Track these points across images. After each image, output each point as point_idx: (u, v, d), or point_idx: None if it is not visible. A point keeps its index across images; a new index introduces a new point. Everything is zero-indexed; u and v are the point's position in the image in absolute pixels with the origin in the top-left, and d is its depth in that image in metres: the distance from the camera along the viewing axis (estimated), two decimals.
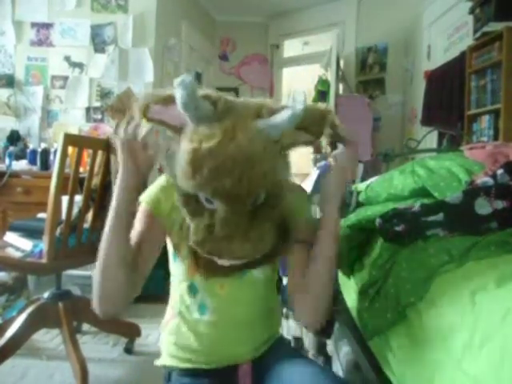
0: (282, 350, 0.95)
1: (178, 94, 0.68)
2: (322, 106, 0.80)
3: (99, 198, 1.69)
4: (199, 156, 0.67)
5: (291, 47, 4.75)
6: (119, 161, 0.82)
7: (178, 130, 0.74)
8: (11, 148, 2.82)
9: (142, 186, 0.89)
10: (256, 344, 0.92)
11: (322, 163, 2.10)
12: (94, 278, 0.81)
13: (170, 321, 0.95)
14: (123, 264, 0.80)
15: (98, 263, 0.81)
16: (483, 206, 0.82)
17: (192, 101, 0.68)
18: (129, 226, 0.84)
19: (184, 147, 0.69)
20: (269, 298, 0.95)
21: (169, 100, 0.73)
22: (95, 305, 0.80)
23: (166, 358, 0.96)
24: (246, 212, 0.70)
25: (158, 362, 0.98)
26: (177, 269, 0.92)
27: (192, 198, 0.72)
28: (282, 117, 0.70)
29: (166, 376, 0.97)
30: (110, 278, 0.80)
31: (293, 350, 1.04)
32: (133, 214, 0.85)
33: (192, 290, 0.89)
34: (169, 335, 0.94)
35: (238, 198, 0.68)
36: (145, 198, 0.89)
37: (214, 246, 0.69)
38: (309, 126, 0.76)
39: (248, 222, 0.70)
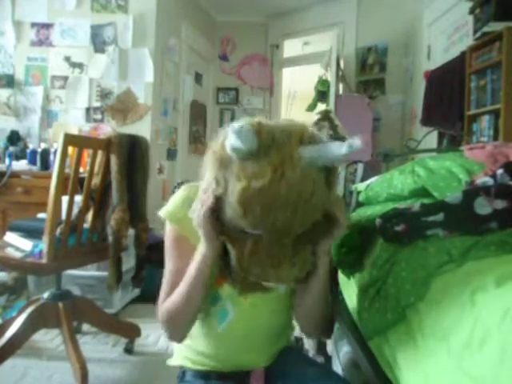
0: (293, 356, 0.96)
1: (234, 142, 0.64)
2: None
3: (99, 198, 1.69)
4: (250, 196, 0.65)
5: (291, 47, 4.75)
6: (202, 239, 0.78)
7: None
8: (11, 148, 2.82)
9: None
10: (271, 353, 0.93)
11: None
12: (168, 315, 0.87)
13: None
14: (199, 309, 0.85)
15: (176, 310, 0.86)
16: (483, 206, 0.82)
17: (245, 149, 0.65)
18: (205, 287, 0.84)
19: (233, 187, 0.67)
20: (288, 309, 0.95)
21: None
22: (169, 335, 0.89)
23: (179, 359, 0.97)
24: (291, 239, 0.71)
25: (171, 362, 0.99)
26: None
27: (237, 228, 0.71)
28: (331, 148, 0.67)
29: (180, 375, 0.98)
30: (188, 322, 0.87)
31: (304, 356, 1.06)
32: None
33: (214, 299, 0.89)
34: (187, 339, 0.94)
35: (289, 231, 0.69)
36: (169, 214, 0.89)
37: (261, 272, 0.71)
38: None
39: (292, 247, 0.71)
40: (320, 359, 1.49)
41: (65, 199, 1.57)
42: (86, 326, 2.10)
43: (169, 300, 0.87)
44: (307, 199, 0.66)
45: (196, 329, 0.91)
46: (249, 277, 0.72)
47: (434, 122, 3.05)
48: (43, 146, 2.85)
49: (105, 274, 1.82)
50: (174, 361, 0.98)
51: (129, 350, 1.93)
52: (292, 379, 0.89)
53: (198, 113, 4.26)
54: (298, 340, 1.70)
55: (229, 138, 0.65)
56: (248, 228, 0.69)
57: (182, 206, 0.86)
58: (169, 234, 0.89)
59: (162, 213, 0.89)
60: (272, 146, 0.67)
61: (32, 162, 2.74)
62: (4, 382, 1.64)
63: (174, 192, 3.42)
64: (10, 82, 3.21)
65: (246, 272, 0.72)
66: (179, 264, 0.86)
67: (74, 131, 3.08)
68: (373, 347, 0.89)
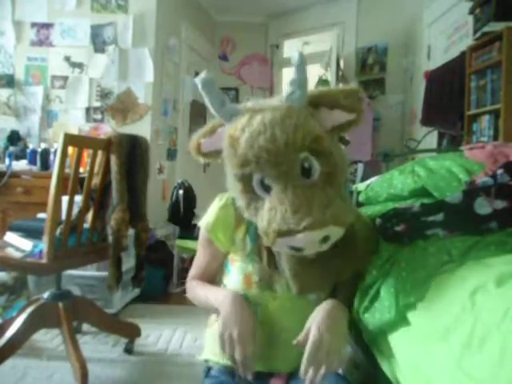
0: None
1: (203, 93, 0.78)
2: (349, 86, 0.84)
3: (99, 198, 1.69)
4: (235, 135, 0.76)
5: (291, 47, 4.74)
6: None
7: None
8: (11, 148, 2.82)
9: None
10: (296, 358, 0.91)
11: None
12: (190, 296, 1.02)
13: (216, 322, 0.97)
14: None
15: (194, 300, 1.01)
16: (483, 206, 0.82)
17: (216, 95, 0.79)
18: None
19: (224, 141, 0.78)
20: None
21: (210, 131, 0.84)
22: None
23: (208, 354, 0.99)
24: (302, 185, 0.74)
25: (201, 357, 1.02)
26: (230, 280, 0.96)
27: (249, 188, 0.78)
28: (291, 81, 0.79)
29: (206, 371, 1.00)
30: None
31: None
32: None
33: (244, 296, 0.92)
34: (214, 333, 0.96)
35: (281, 157, 0.73)
36: (204, 224, 0.97)
37: (285, 224, 0.71)
38: (340, 102, 0.79)
39: (308, 192, 0.73)
40: None
41: (65, 199, 1.57)
42: (85, 326, 2.10)
43: (192, 287, 1.00)
44: (284, 121, 0.74)
45: None
46: (281, 233, 0.72)
47: (434, 122, 3.05)
48: (43, 145, 2.84)
49: (105, 273, 1.82)
50: (204, 355, 1.01)
51: (129, 350, 1.93)
52: None
53: (198, 113, 4.25)
54: None
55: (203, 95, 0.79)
56: (242, 165, 0.75)
57: (215, 215, 0.95)
58: (201, 237, 1.00)
59: (201, 222, 0.98)
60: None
61: (32, 161, 2.74)
62: (4, 381, 1.64)
63: (173, 192, 3.42)
64: (10, 81, 3.21)
65: (273, 231, 0.72)
66: (205, 257, 1.00)
67: (74, 131, 3.08)
68: (373, 347, 0.89)
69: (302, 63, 0.79)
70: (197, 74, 4.19)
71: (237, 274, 0.93)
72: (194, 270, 1.02)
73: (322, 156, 0.76)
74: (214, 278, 1.00)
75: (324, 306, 0.85)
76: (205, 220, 0.96)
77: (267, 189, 0.76)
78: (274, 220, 0.73)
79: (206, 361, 1.00)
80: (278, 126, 0.73)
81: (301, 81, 0.79)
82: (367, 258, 0.89)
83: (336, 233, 0.74)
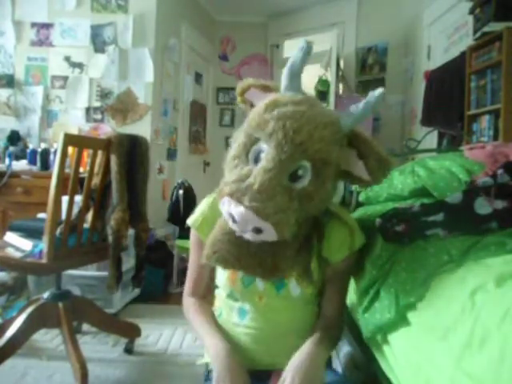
0: None
1: (299, 54, 0.85)
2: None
3: (99, 198, 1.69)
4: (276, 102, 0.78)
5: (291, 47, 4.74)
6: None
7: None
8: (11, 148, 2.82)
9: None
10: (291, 355, 0.91)
11: None
12: (187, 317, 1.03)
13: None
14: None
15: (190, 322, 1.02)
16: (483, 206, 0.82)
17: (302, 64, 0.84)
18: None
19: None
20: (307, 313, 0.96)
21: (267, 89, 0.86)
22: None
23: (207, 356, 0.99)
24: (281, 180, 0.74)
25: (200, 362, 1.03)
26: (220, 277, 0.98)
27: (244, 152, 0.79)
28: (356, 107, 0.81)
29: (206, 374, 1.01)
30: None
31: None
32: None
33: (232, 297, 0.95)
34: None
35: (288, 148, 0.74)
36: (193, 222, 0.98)
37: (241, 192, 0.73)
38: (370, 160, 0.79)
39: (280, 189, 0.74)
40: None
41: (65, 199, 1.57)
42: (85, 326, 2.10)
43: (188, 312, 1.01)
44: (315, 125, 0.75)
45: (222, 327, 0.97)
46: (231, 195, 0.73)
47: (434, 122, 3.05)
48: (43, 145, 2.84)
49: (105, 273, 1.82)
50: (204, 359, 1.02)
51: (129, 350, 1.93)
52: None
53: (198, 113, 4.25)
54: None
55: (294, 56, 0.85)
56: (262, 134, 0.76)
57: (200, 213, 0.97)
58: (191, 238, 1.01)
59: (189, 220, 0.99)
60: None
61: (32, 161, 2.74)
62: (4, 381, 1.64)
63: (173, 192, 3.42)
64: (10, 81, 3.21)
65: (228, 193, 0.74)
66: (197, 260, 0.99)
67: (74, 131, 3.08)
68: (373, 347, 0.89)
69: (375, 104, 0.82)
70: (197, 74, 4.19)
71: (222, 272, 0.94)
72: (189, 281, 1.04)
73: (317, 177, 0.77)
74: (208, 285, 1.02)
75: (303, 351, 0.85)
76: (192, 217, 0.98)
77: (257, 161, 0.77)
78: (239, 182, 0.74)
79: (207, 364, 1.00)
80: (311, 125, 0.75)
81: (361, 116, 0.82)
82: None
83: (269, 234, 0.74)
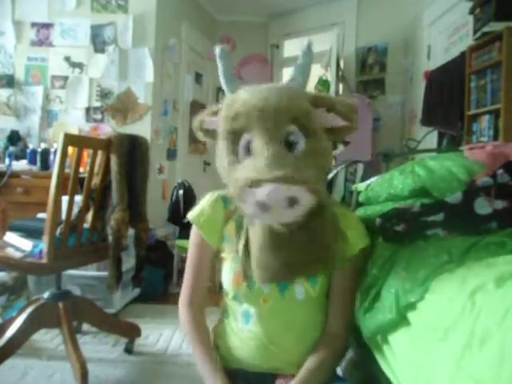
0: None
1: (219, 61, 0.87)
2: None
3: (99, 198, 1.69)
4: (234, 97, 0.82)
5: (291, 47, 4.74)
6: None
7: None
8: (11, 148, 2.82)
9: None
10: (297, 360, 0.91)
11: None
12: (184, 330, 0.98)
13: (218, 325, 1.01)
14: None
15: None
16: (483, 206, 0.82)
17: (229, 67, 0.87)
18: None
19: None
20: (313, 317, 0.95)
21: (215, 111, 0.88)
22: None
23: None
24: (283, 152, 0.75)
25: None
26: (225, 279, 0.94)
27: (234, 149, 0.80)
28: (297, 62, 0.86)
29: None
30: None
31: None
32: None
33: (237, 299, 0.93)
34: (216, 338, 1.00)
35: (269, 118, 0.75)
36: (192, 216, 0.95)
37: (255, 173, 0.71)
38: (336, 107, 0.82)
39: (286, 158, 0.74)
40: None
41: (65, 199, 1.57)
42: (85, 326, 2.10)
43: (187, 327, 0.96)
44: (280, 92, 0.79)
45: (227, 329, 0.96)
46: (247, 183, 0.71)
47: (434, 122, 3.05)
48: (43, 145, 2.85)
49: (105, 273, 1.82)
50: None
51: (129, 350, 1.93)
52: None
53: (198, 113, 4.24)
54: None
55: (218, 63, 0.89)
56: (234, 121, 0.78)
57: (202, 210, 0.94)
58: (192, 237, 0.97)
59: (190, 215, 0.95)
60: None
61: (32, 161, 2.74)
62: (4, 381, 1.64)
63: (173, 192, 3.42)
64: (10, 81, 3.21)
65: (243, 181, 0.72)
66: (196, 257, 0.97)
67: (74, 131, 3.08)
68: (373, 347, 0.89)
69: (309, 52, 0.85)
70: (197, 73, 4.19)
71: (227, 273, 0.92)
72: (186, 287, 0.98)
73: (308, 133, 0.78)
74: (207, 283, 0.99)
75: (302, 376, 0.86)
76: (193, 212, 0.95)
77: (250, 152, 0.77)
78: (247, 170, 0.73)
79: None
80: (274, 92, 0.78)
81: (304, 68, 0.85)
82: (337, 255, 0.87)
83: (305, 198, 0.70)
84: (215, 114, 0.88)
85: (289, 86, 0.84)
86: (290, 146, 0.77)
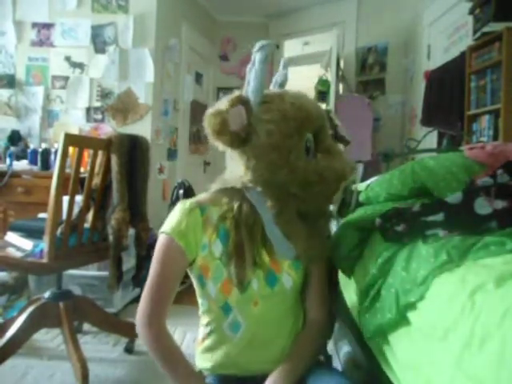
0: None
1: (262, 53, 0.93)
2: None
3: (100, 198, 1.69)
4: (281, 107, 0.88)
5: (291, 47, 4.74)
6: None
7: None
8: (12, 148, 2.82)
9: None
10: (280, 360, 0.92)
11: None
12: (147, 346, 0.93)
13: (204, 340, 0.97)
14: None
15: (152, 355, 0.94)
16: (483, 206, 0.82)
17: (265, 72, 0.90)
18: None
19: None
20: (298, 305, 0.97)
21: (235, 101, 0.88)
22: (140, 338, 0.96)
23: (200, 363, 0.99)
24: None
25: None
26: (207, 293, 0.92)
27: (299, 144, 0.88)
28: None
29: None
30: None
31: (321, 363, 1.06)
32: None
33: (225, 309, 0.91)
34: (203, 353, 0.97)
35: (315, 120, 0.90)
36: (175, 230, 0.89)
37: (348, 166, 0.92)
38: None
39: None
40: (320, 358, 1.49)
41: (65, 199, 1.57)
42: (86, 326, 2.11)
43: (154, 347, 0.92)
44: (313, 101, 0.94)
45: (215, 342, 0.94)
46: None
47: (434, 122, 3.05)
48: (44, 145, 2.85)
49: (105, 273, 1.83)
50: (196, 367, 0.99)
51: (129, 350, 1.93)
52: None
53: (198, 113, 4.25)
54: None
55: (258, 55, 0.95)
56: (304, 124, 0.88)
57: (182, 219, 0.90)
58: (164, 241, 0.91)
59: (166, 229, 0.90)
60: None
61: (33, 161, 2.75)
62: (5, 381, 1.64)
63: (174, 192, 3.41)
64: (10, 82, 3.21)
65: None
66: (167, 280, 0.91)
67: (75, 131, 3.09)
68: (373, 347, 0.89)
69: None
70: (197, 74, 4.19)
71: (213, 284, 0.89)
72: (150, 302, 0.90)
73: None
74: (171, 299, 0.92)
75: (283, 369, 0.87)
76: (168, 225, 0.90)
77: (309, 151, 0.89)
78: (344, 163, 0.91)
79: (200, 371, 0.99)
80: (308, 100, 0.92)
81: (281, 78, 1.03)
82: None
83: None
84: (235, 104, 0.85)
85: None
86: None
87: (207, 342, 0.96)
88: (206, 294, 0.92)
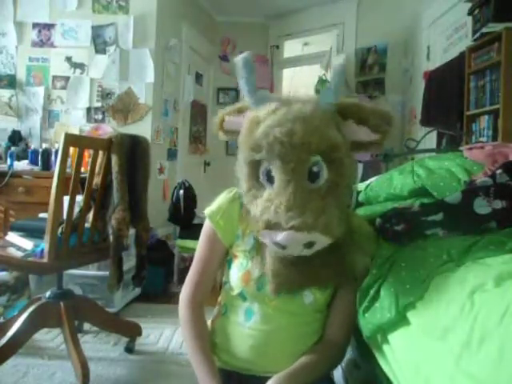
0: None
1: (241, 72, 0.80)
2: (383, 107, 0.82)
3: (100, 198, 1.69)
4: (255, 120, 0.77)
5: (291, 48, 4.75)
6: None
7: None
8: (13, 148, 2.83)
9: None
10: (289, 365, 0.90)
11: None
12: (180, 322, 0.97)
13: (216, 319, 0.99)
14: None
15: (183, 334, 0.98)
16: (482, 206, 0.82)
17: (252, 78, 0.81)
18: None
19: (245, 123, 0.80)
20: (314, 321, 0.95)
21: (237, 110, 0.87)
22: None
23: None
24: (304, 187, 0.74)
25: None
26: (232, 275, 0.94)
27: (254, 175, 0.79)
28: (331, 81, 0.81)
29: None
30: None
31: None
32: None
33: (242, 296, 0.93)
34: (212, 334, 0.98)
35: (292, 154, 0.73)
36: (209, 211, 0.95)
37: (275, 217, 0.72)
38: (370, 121, 0.78)
39: (307, 195, 0.74)
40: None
41: (66, 199, 1.57)
42: (87, 325, 2.11)
43: (186, 325, 0.95)
44: (305, 120, 0.74)
45: (225, 324, 0.95)
46: (263, 225, 0.74)
47: (434, 122, 3.05)
48: (44, 146, 2.85)
49: (106, 273, 1.83)
50: None
51: (129, 349, 1.93)
52: None
53: (198, 113, 4.26)
54: None
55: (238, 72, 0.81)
56: (253, 149, 0.76)
57: (220, 207, 0.94)
58: (205, 228, 0.96)
59: (206, 212, 0.95)
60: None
61: (33, 162, 2.75)
62: (5, 380, 1.64)
63: (174, 192, 3.42)
64: (11, 82, 3.21)
65: (260, 220, 0.74)
66: (206, 251, 0.96)
67: (75, 131, 3.09)
68: (373, 347, 0.90)
69: (343, 69, 0.82)
70: (197, 74, 4.20)
71: (237, 270, 0.92)
72: (191, 283, 0.97)
73: (332, 164, 0.76)
74: (212, 281, 0.98)
75: (288, 373, 0.85)
76: (210, 208, 0.95)
77: (271, 180, 0.77)
78: (266, 211, 0.73)
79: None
80: (299, 124, 0.73)
81: (337, 85, 0.80)
82: (357, 268, 0.87)
83: (322, 241, 0.74)
84: (238, 112, 0.87)
85: (315, 111, 0.77)
86: (313, 175, 0.76)
87: (218, 323, 0.97)
88: (230, 276, 0.95)
